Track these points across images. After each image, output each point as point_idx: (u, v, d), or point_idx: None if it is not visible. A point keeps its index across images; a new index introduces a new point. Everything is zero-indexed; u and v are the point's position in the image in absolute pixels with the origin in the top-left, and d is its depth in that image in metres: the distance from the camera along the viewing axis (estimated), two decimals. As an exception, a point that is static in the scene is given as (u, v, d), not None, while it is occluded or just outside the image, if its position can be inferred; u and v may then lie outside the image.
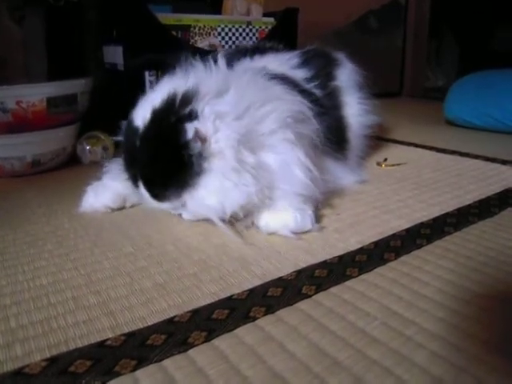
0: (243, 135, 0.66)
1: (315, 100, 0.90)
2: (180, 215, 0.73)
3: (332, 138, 0.86)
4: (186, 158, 0.65)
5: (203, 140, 0.64)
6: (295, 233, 0.69)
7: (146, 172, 0.69)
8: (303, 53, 1.04)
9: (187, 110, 0.66)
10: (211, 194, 0.66)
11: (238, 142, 0.65)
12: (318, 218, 0.74)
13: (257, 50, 1.04)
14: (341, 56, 1.07)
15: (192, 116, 0.65)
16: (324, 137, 0.81)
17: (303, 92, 0.88)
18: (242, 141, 0.66)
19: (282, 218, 0.69)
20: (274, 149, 0.70)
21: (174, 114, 0.66)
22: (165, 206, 0.70)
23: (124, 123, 0.75)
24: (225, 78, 0.72)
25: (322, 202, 0.79)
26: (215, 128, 0.65)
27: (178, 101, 0.67)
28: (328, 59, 1.05)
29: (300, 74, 0.95)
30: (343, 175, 0.90)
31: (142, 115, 0.69)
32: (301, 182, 0.70)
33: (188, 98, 0.66)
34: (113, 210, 0.80)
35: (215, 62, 0.77)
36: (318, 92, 0.94)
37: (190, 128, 0.64)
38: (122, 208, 0.82)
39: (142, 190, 0.70)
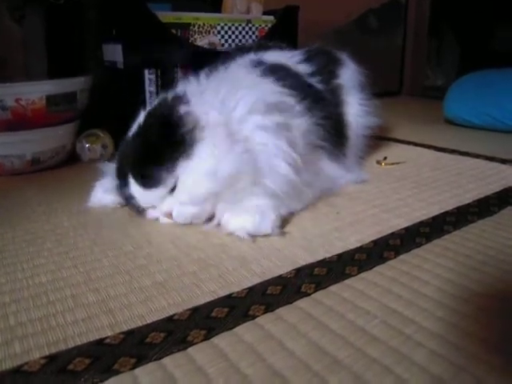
0: (226, 118, 0.70)
1: (317, 94, 0.91)
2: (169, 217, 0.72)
3: (330, 136, 0.87)
4: (177, 133, 0.67)
5: (194, 117, 0.68)
6: (252, 235, 0.67)
7: (135, 159, 0.70)
8: (307, 50, 1.05)
9: (177, 101, 0.70)
10: (205, 159, 0.67)
11: (225, 122, 0.70)
12: (287, 220, 0.73)
13: (261, 47, 1.05)
14: (344, 56, 1.07)
15: (183, 103, 0.69)
16: (321, 132, 0.83)
17: (305, 85, 0.90)
18: (227, 123, 0.70)
19: (241, 219, 0.68)
20: (252, 138, 0.71)
21: (167, 108, 0.70)
22: (156, 193, 0.69)
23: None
24: (203, 82, 0.78)
25: (319, 199, 0.80)
26: (205, 110, 0.70)
27: (168, 100, 0.71)
28: (331, 58, 1.05)
29: (303, 69, 0.97)
30: (341, 174, 0.90)
31: (136, 125, 0.74)
32: (283, 175, 0.71)
33: (176, 97, 0.71)
34: (122, 205, 0.80)
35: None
36: (320, 87, 0.95)
37: (182, 108, 0.68)
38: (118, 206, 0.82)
39: (132, 183, 0.69)
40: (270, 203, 0.70)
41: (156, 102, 0.75)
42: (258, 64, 0.89)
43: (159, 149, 0.68)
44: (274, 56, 0.98)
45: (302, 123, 0.79)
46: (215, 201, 0.69)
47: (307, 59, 1.00)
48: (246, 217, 0.68)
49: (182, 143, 0.67)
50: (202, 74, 0.81)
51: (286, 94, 0.80)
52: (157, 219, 0.73)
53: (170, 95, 0.72)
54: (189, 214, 0.70)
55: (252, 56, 0.96)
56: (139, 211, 0.73)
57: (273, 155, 0.71)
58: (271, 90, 0.79)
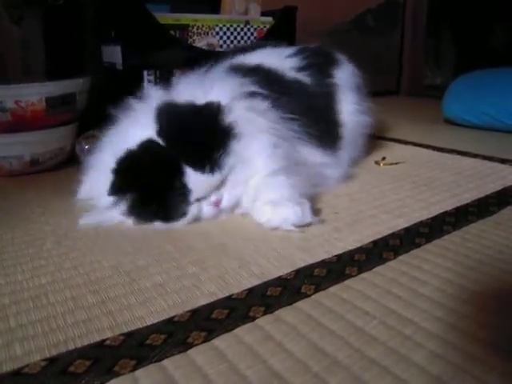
0: None
1: (301, 87, 0.94)
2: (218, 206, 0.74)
3: (314, 128, 0.87)
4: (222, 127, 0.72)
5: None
6: (297, 226, 0.69)
7: (196, 150, 0.71)
8: (301, 47, 1.06)
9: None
10: (255, 152, 0.73)
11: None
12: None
13: (253, 47, 1.06)
14: (340, 56, 1.08)
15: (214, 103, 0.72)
16: (299, 124, 0.84)
17: (287, 81, 0.92)
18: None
19: (283, 212, 0.70)
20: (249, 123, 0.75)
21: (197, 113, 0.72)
22: (215, 180, 0.71)
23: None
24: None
25: (318, 200, 0.80)
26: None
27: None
28: (327, 57, 1.06)
29: (290, 64, 0.98)
30: (325, 169, 0.89)
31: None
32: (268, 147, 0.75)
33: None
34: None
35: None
36: (307, 81, 0.96)
37: (215, 104, 0.71)
38: None
39: (191, 173, 0.69)
40: (295, 192, 0.73)
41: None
42: (236, 67, 0.91)
43: (214, 139, 0.71)
44: (257, 56, 0.99)
45: (272, 115, 0.81)
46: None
47: (299, 54, 1.01)
48: (287, 209, 0.70)
49: (228, 134, 0.72)
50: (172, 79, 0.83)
51: (256, 86, 0.82)
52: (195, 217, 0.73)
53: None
54: (236, 197, 0.74)
55: (232, 59, 0.98)
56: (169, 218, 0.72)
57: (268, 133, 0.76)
58: (240, 82, 0.81)
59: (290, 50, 1.03)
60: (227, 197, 0.74)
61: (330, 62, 1.05)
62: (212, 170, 0.70)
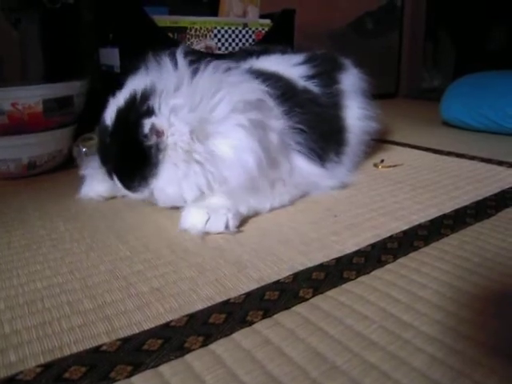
0: (196, 126, 0.71)
1: (307, 97, 0.92)
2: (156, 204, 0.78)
3: (317, 138, 0.87)
4: (146, 151, 0.72)
5: (160, 134, 0.71)
6: (205, 233, 0.70)
7: (116, 166, 0.78)
8: (309, 54, 1.05)
9: (145, 107, 0.72)
10: (168, 183, 0.73)
11: (191, 133, 0.71)
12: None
13: (262, 51, 1.06)
14: (346, 61, 1.09)
15: (149, 112, 0.72)
16: (303, 135, 0.85)
17: (294, 88, 0.91)
18: (196, 131, 0.71)
19: (195, 217, 0.71)
20: (227, 135, 0.73)
21: (135, 111, 0.73)
22: (138, 195, 0.77)
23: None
24: (181, 74, 0.76)
25: (316, 203, 0.79)
26: (170, 122, 0.71)
27: (137, 99, 0.73)
28: (333, 63, 1.06)
29: (299, 72, 0.97)
30: (321, 177, 0.89)
31: (110, 115, 0.76)
32: (248, 170, 0.73)
33: (146, 96, 0.73)
34: (106, 198, 0.87)
35: (174, 59, 0.79)
36: (316, 90, 0.96)
37: (147, 123, 0.70)
38: (113, 197, 0.87)
39: (117, 182, 0.78)
40: (226, 201, 0.73)
41: (125, 91, 0.76)
42: (248, 71, 0.90)
43: (131, 161, 0.75)
44: (266, 62, 0.99)
45: (278, 124, 0.81)
46: None
47: (307, 63, 1.00)
48: (199, 215, 0.71)
49: (148, 161, 0.72)
50: (182, 64, 0.79)
51: (267, 93, 0.81)
52: None
53: (139, 89, 0.74)
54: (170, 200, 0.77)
55: (243, 63, 0.98)
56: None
57: (243, 151, 0.73)
58: (252, 88, 0.80)
59: (298, 58, 1.03)
60: (161, 204, 0.78)
61: (336, 68, 1.05)
62: (129, 189, 0.77)
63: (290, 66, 0.98)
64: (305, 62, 1.01)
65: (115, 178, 0.78)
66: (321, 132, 0.89)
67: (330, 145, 0.93)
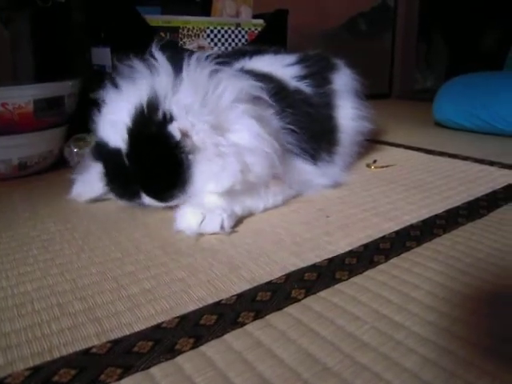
0: (212, 120, 0.71)
1: (300, 97, 0.92)
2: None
3: (309, 138, 0.87)
4: (179, 158, 0.70)
5: (187, 136, 0.70)
6: (199, 233, 0.70)
7: (146, 183, 0.75)
8: (301, 55, 1.05)
9: (160, 115, 0.70)
10: (206, 181, 0.72)
11: (211, 128, 0.70)
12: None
13: (254, 51, 1.05)
14: (339, 62, 1.08)
15: (167, 119, 0.70)
16: (295, 135, 0.84)
17: (282, 87, 0.90)
18: (214, 125, 0.71)
19: (189, 217, 0.70)
20: (238, 125, 0.73)
21: (150, 124, 0.70)
22: (171, 204, 0.76)
23: (92, 148, 0.82)
24: (171, 72, 0.75)
25: (309, 203, 0.79)
26: (191, 122, 0.70)
27: (146, 112, 0.71)
28: (326, 63, 1.06)
29: (291, 73, 0.97)
30: (312, 178, 0.89)
31: (117, 135, 0.73)
32: (268, 156, 0.74)
33: (154, 105, 0.71)
34: (97, 200, 0.85)
35: (154, 58, 0.77)
36: (308, 90, 0.96)
37: (175, 130, 0.69)
38: (105, 198, 0.85)
39: (147, 200, 0.76)
40: (221, 202, 0.72)
41: (123, 106, 0.73)
42: (240, 71, 0.89)
43: (164, 173, 0.73)
44: (259, 62, 0.99)
45: (273, 124, 0.81)
46: None
47: (299, 63, 1.00)
48: (194, 216, 0.70)
49: (182, 165, 0.71)
50: (164, 62, 0.77)
51: (262, 90, 0.80)
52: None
53: (143, 101, 0.71)
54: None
55: (235, 64, 0.97)
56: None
57: (256, 137, 0.73)
58: (251, 84, 0.79)
59: (290, 58, 1.03)
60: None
61: (328, 68, 1.05)
62: (165, 200, 0.76)
63: (282, 67, 0.98)
64: (297, 63, 1.01)
65: (144, 197, 0.76)
66: (313, 132, 0.89)
67: (323, 145, 0.93)
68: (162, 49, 0.78)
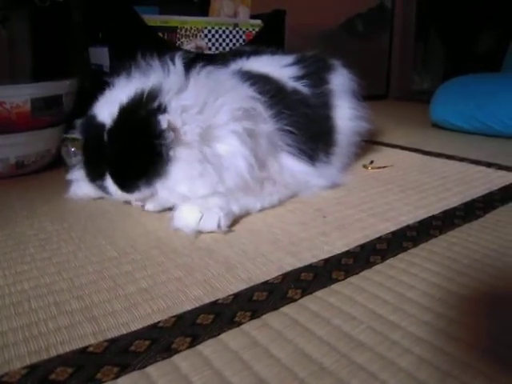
0: (204, 128, 0.72)
1: (297, 98, 0.93)
2: (142, 207, 0.78)
3: (306, 139, 0.88)
4: (157, 148, 0.70)
5: (174, 130, 0.70)
6: (197, 231, 0.70)
7: (115, 164, 0.74)
8: (299, 56, 1.06)
9: (155, 104, 0.71)
10: (180, 181, 0.72)
11: (200, 134, 0.71)
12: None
13: (251, 52, 1.06)
14: (336, 62, 1.09)
15: (161, 109, 0.71)
16: (291, 136, 0.85)
17: (283, 90, 0.91)
18: (203, 134, 0.72)
19: (187, 216, 0.71)
20: (223, 140, 0.75)
21: (144, 108, 0.71)
22: (132, 196, 0.76)
23: (80, 121, 0.82)
24: (182, 76, 0.77)
25: (306, 204, 0.79)
26: (183, 120, 0.71)
27: (145, 97, 0.72)
28: (323, 63, 1.06)
29: (288, 74, 0.98)
30: (310, 178, 0.89)
31: (107, 111, 0.74)
32: (241, 174, 0.75)
33: (154, 94, 0.72)
34: (94, 199, 0.85)
35: (173, 62, 0.79)
36: (305, 91, 0.96)
37: (164, 119, 0.69)
38: (101, 197, 0.84)
39: (109, 182, 0.75)
40: (219, 201, 0.73)
41: (124, 90, 0.75)
42: (238, 72, 0.91)
43: (137, 159, 0.72)
44: (257, 63, 0.99)
45: (267, 128, 0.82)
46: None
47: (297, 64, 1.01)
48: (190, 214, 0.70)
49: (159, 158, 0.71)
50: (181, 67, 0.79)
51: (257, 100, 0.82)
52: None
53: (145, 89, 0.73)
54: (160, 205, 0.77)
55: (233, 64, 0.98)
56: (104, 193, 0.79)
57: (235, 156, 0.75)
58: (246, 95, 0.81)
59: (287, 58, 1.03)
60: (151, 206, 0.78)
61: (325, 68, 1.05)
62: (127, 189, 0.75)
63: (279, 67, 0.99)
64: (294, 63, 1.01)
65: (108, 178, 0.75)
66: (310, 133, 0.89)
67: (320, 145, 0.93)
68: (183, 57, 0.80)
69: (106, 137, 0.74)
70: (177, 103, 0.71)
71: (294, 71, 0.99)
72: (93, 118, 0.76)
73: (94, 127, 0.76)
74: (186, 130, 0.70)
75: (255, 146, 0.78)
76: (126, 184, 0.74)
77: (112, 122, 0.73)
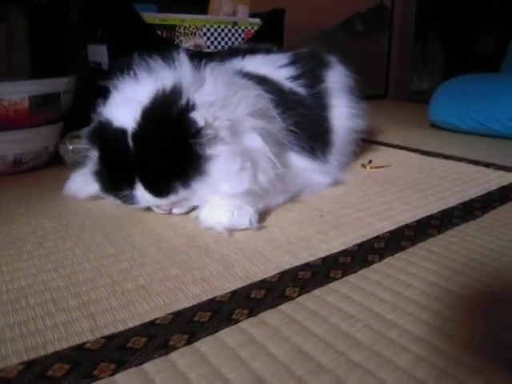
0: (231, 122, 0.70)
1: (295, 99, 0.93)
2: (169, 211, 0.76)
3: (305, 138, 0.88)
4: (194, 147, 0.68)
5: (210, 127, 0.67)
6: (230, 229, 0.70)
7: (148, 170, 0.70)
8: (294, 54, 1.05)
9: (183, 101, 0.67)
10: (222, 178, 0.70)
11: (230, 128, 0.69)
12: (263, 215, 0.76)
13: (247, 50, 1.06)
14: (332, 59, 1.08)
15: (190, 107, 0.67)
16: (292, 136, 0.85)
17: (281, 91, 0.91)
18: (230, 128, 0.70)
19: (218, 214, 0.70)
20: (246, 135, 0.74)
21: (173, 107, 0.67)
22: (165, 201, 0.73)
23: (88, 130, 0.75)
24: (195, 71, 0.74)
25: (304, 203, 0.79)
26: (213, 115, 0.68)
27: (170, 95, 0.68)
28: (319, 61, 1.05)
29: (284, 74, 0.97)
30: (314, 176, 0.89)
31: (127, 115, 0.69)
32: (269, 171, 0.74)
33: (179, 91, 0.68)
34: (92, 196, 0.84)
35: (178, 58, 0.76)
36: (301, 91, 0.96)
37: (199, 117, 0.66)
38: (98, 196, 0.83)
39: (139, 190, 0.71)
40: (248, 198, 0.72)
41: (146, 91, 0.70)
42: (240, 73, 0.90)
43: (173, 161, 0.69)
44: (252, 62, 0.99)
45: (273, 128, 0.80)
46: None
47: (292, 63, 1.01)
48: (223, 212, 0.70)
49: (197, 156, 0.68)
50: (188, 62, 0.76)
51: (267, 99, 0.81)
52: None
53: (166, 87, 0.69)
54: (188, 208, 0.76)
55: (229, 63, 0.98)
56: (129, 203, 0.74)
57: (259, 156, 0.74)
58: (258, 93, 0.80)
59: (283, 58, 1.03)
60: (179, 209, 0.76)
61: (321, 66, 1.05)
62: (163, 194, 0.71)
63: (275, 68, 0.98)
64: (290, 64, 1.01)
65: (138, 186, 0.70)
66: (310, 132, 0.89)
67: (318, 145, 0.93)
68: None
69: (131, 143, 0.69)
70: (201, 99, 0.68)
71: (289, 72, 0.98)
72: (107, 125, 0.71)
73: (111, 134, 0.71)
74: (218, 124, 0.68)
75: (271, 144, 0.77)
76: (162, 189, 0.71)
77: (137, 126, 0.68)
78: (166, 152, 0.68)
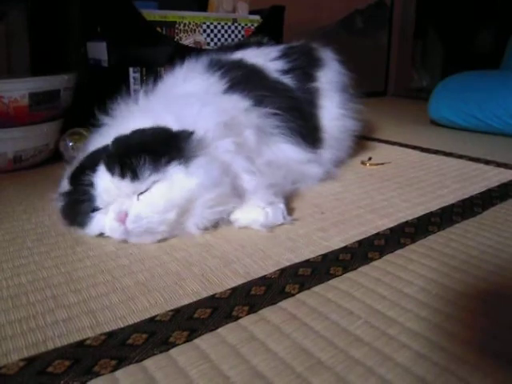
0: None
1: (286, 91, 0.92)
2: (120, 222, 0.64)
3: (294, 124, 0.87)
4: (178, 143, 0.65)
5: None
6: (267, 227, 0.70)
7: (120, 148, 0.64)
8: (287, 47, 1.04)
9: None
10: (198, 175, 0.64)
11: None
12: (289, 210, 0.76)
13: (240, 45, 1.05)
14: (326, 54, 1.06)
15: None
16: (280, 118, 0.84)
17: (271, 81, 0.90)
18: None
19: (253, 213, 0.70)
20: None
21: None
22: (126, 188, 0.62)
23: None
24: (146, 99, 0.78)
25: (304, 201, 0.79)
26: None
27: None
28: (311, 58, 1.03)
29: (275, 66, 0.96)
30: (305, 167, 0.88)
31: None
32: (247, 188, 0.72)
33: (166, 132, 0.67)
34: None
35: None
36: (292, 84, 0.95)
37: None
38: None
39: (102, 171, 0.62)
40: (274, 195, 0.73)
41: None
42: (215, 64, 0.89)
43: (152, 145, 0.63)
44: (241, 54, 0.98)
45: (251, 119, 0.79)
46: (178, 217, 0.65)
47: (283, 57, 0.99)
48: (255, 210, 0.70)
49: (179, 148, 0.64)
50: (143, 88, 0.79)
51: (235, 99, 0.81)
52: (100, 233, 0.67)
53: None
54: (147, 220, 0.62)
55: (213, 56, 0.95)
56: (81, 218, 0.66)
57: (237, 171, 0.71)
58: (222, 107, 0.76)
59: (275, 50, 1.01)
60: (135, 214, 0.62)
61: (313, 64, 1.02)
62: (126, 176, 0.61)
63: (267, 61, 0.97)
64: (280, 57, 0.99)
65: (103, 167, 0.63)
66: (298, 119, 0.89)
67: (308, 133, 0.91)
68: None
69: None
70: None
71: (280, 65, 0.97)
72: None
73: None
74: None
75: (249, 151, 0.75)
76: (128, 164, 0.61)
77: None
78: (142, 139, 0.64)
